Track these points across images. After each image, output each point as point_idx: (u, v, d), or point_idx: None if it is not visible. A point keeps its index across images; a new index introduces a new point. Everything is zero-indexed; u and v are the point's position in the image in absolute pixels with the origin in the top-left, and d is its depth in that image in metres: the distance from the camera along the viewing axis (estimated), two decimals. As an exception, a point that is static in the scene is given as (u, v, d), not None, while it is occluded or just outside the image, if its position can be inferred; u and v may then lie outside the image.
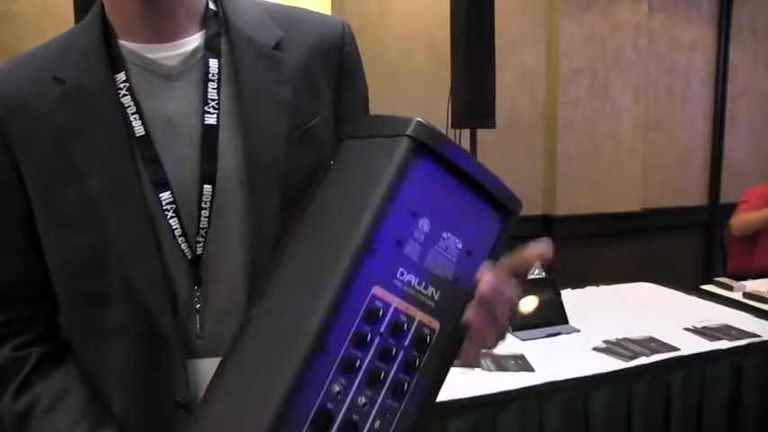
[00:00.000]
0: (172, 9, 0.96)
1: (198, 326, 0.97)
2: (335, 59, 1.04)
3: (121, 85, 0.96)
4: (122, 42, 0.97)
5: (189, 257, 0.95)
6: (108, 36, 0.98)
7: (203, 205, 0.95)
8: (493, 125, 3.12)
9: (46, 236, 0.97)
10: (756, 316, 2.75)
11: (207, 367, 0.94)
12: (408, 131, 0.82)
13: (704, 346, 2.42)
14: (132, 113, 0.95)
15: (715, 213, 4.72)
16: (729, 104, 4.79)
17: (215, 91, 0.97)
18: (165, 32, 0.97)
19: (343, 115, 1.05)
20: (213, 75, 0.97)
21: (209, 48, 0.99)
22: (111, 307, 0.95)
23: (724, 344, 2.43)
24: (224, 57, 0.99)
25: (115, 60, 0.97)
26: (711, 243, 4.69)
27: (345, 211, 0.84)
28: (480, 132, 3.28)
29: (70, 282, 0.97)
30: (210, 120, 0.96)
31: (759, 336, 2.50)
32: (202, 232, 0.95)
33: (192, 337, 0.97)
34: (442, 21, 3.33)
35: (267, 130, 0.96)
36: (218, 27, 1.01)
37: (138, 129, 0.95)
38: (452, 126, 3.11)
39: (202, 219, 0.95)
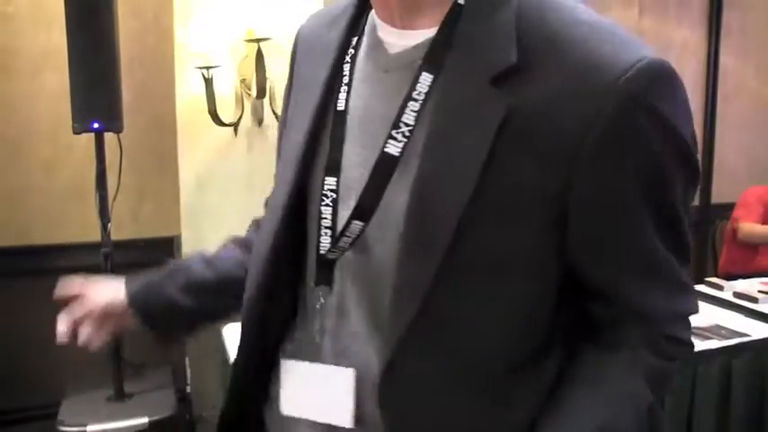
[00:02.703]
0: None
1: None
2: (585, 122, 0.77)
3: (351, 50, 0.91)
4: (373, 13, 0.91)
5: (322, 252, 0.90)
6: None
7: (349, 231, 0.87)
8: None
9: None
10: (746, 316, 2.76)
11: None
12: None
13: (695, 345, 2.43)
14: (343, 86, 0.90)
15: (706, 214, 4.74)
16: (720, 106, 4.81)
17: (413, 114, 0.83)
18: (390, 13, 0.87)
19: (582, 223, 0.82)
20: (419, 93, 0.83)
21: (430, 57, 0.84)
22: None
23: (714, 343, 2.44)
24: (445, 72, 0.83)
25: (359, 26, 0.93)
26: (703, 243, 4.71)
27: None
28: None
29: None
30: (392, 149, 0.84)
31: (749, 335, 2.52)
32: (344, 234, 0.87)
33: None
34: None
35: (443, 199, 0.80)
36: (452, 32, 0.84)
37: (341, 102, 0.90)
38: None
39: (348, 221, 0.87)
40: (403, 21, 0.86)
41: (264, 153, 2.95)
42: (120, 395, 2.91)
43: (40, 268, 3.26)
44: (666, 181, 0.83)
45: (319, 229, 0.90)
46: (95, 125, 2.73)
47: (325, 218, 0.89)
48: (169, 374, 3.13)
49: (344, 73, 0.91)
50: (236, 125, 2.90)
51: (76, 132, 2.75)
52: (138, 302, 1.12)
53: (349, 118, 0.90)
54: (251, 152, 2.92)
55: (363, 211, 0.85)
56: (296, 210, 0.94)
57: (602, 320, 0.92)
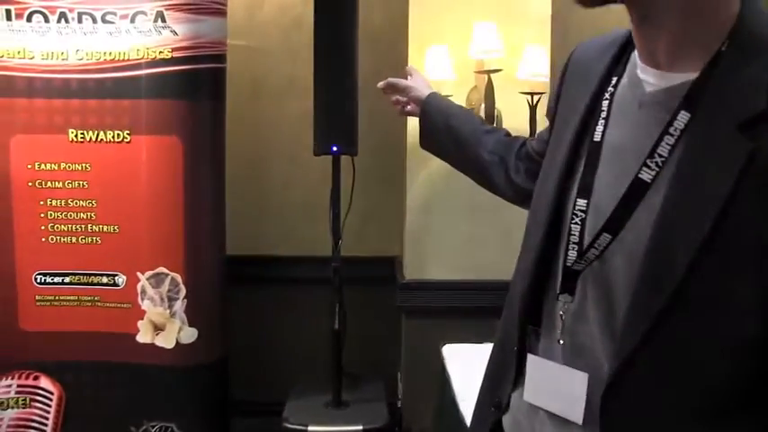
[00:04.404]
0: (659, 35, 0.91)
1: None
2: None
3: (610, 88, 1.01)
4: (635, 53, 0.98)
5: (568, 265, 1.00)
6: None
7: (598, 243, 0.95)
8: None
9: None
10: None
11: None
12: None
13: None
14: (602, 119, 1.00)
15: None
16: None
17: (668, 147, 0.90)
18: (652, 57, 0.94)
19: None
20: (675, 129, 0.89)
21: (689, 97, 0.89)
22: None
23: None
24: (700, 112, 0.88)
25: (621, 64, 1.01)
26: None
27: None
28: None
29: None
30: (645, 175, 0.91)
31: None
32: (593, 246, 0.96)
33: None
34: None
35: (678, 233, 0.86)
36: (710, 79, 0.88)
37: (598, 134, 1.00)
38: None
39: (598, 233, 0.95)
40: (669, 65, 0.92)
41: (489, 180, 3.01)
42: (338, 402, 3.10)
43: (274, 277, 3.56)
44: None
45: (568, 245, 1.00)
46: (334, 148, 2.96)
47: (574, 234, 0.99)
48: (382, 387, 3.28)
49: (602, 108, 1.00)
50: (463, 152, 2.99)
51: (317, 154, 2.99)
52: (430, 101, 1.66)
53: (603, 147, 0.99)
54: (476, 178, 3.02)
55: (614, 226, 0.93)
56: (554, 227, 1.04)
57: None
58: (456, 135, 1.58)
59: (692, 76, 0.90)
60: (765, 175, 0.81)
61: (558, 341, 1.01)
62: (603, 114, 1.00)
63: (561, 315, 1.00)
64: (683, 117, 0.89)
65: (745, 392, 0.88)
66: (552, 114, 1.20)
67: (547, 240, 1.05)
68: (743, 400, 0.88)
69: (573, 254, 0.99)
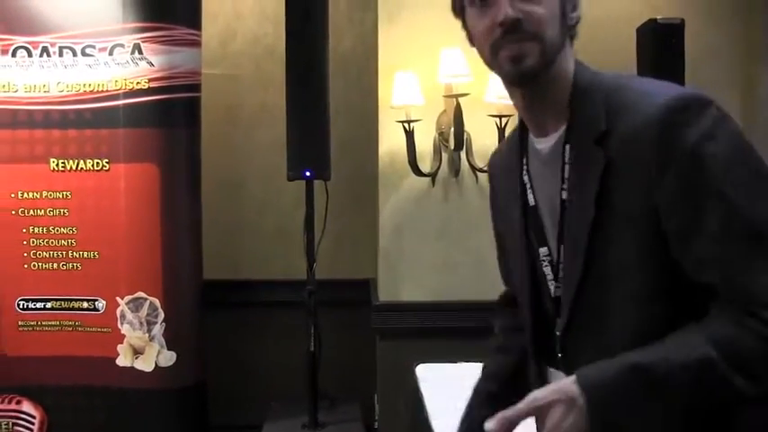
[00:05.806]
0: (539, 112, 1.27)
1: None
2: (647, 154, 1.13)
3: (524, 166, 1.34)
4: (530, 135, 1.32)
5: (552, 295, 1.29)
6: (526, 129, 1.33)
7: (561, 260, 1.26)
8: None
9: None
10: None
11: None
12: None
13: None
14: (528, 188, 1.33)
15: None
16: None
17: (568, 172, 1.24)
18: (539, 128, 1.29)
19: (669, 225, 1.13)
20: (568, 158, 1.24)
21: (566, 138, 1.24)
22: None
23: None
24: (574, 142, 1.23)
25: (525, 147, 1.34)
26: None
27: None
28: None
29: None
30: (564, 195, 1.25)
31: None
32: (560, 261, 1.27)
33: None
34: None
35: (578, 223, 1.21)
36: (573, 120, 1.25)
37: (531, 200, 1.33)
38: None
39: (561, 268, 1.27)
40: (552, 129, 1.26)
41: (460, 202, 3.13)
42: (315, 423, 3.14)
43: (250, 301, 3.61)
44: (707, 178, 1.09)
45: (546, 282, 1.30)
46: (307, 173, 3.04)
47: (548, 274, 1.30)
48: (358, 408, 3.33)
49: (525, 182, 1.34)
50: (433, 175, 3.11)
51: (290, 179, 3.06)
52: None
53: (539, 206, 1.32)
54: (447, 201, 3.10)
55: (561, 237, 1.26)
56: (534, 283, 1.34)
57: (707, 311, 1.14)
58: (495, 398, 1.50)
59: (563, 127, 1.25)
60: (618, 168, 1.16)
61: (558, 354, 1.29)
62: (528, 185, 1.33)
63: (557, 333, 1.28)
64: (568, 149, 1.24)
65: (660, 336, 1.13)
66: (496, 222, 1.51)
67: (532, 292, 1.34)
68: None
69: (552, 285, 1.29)
